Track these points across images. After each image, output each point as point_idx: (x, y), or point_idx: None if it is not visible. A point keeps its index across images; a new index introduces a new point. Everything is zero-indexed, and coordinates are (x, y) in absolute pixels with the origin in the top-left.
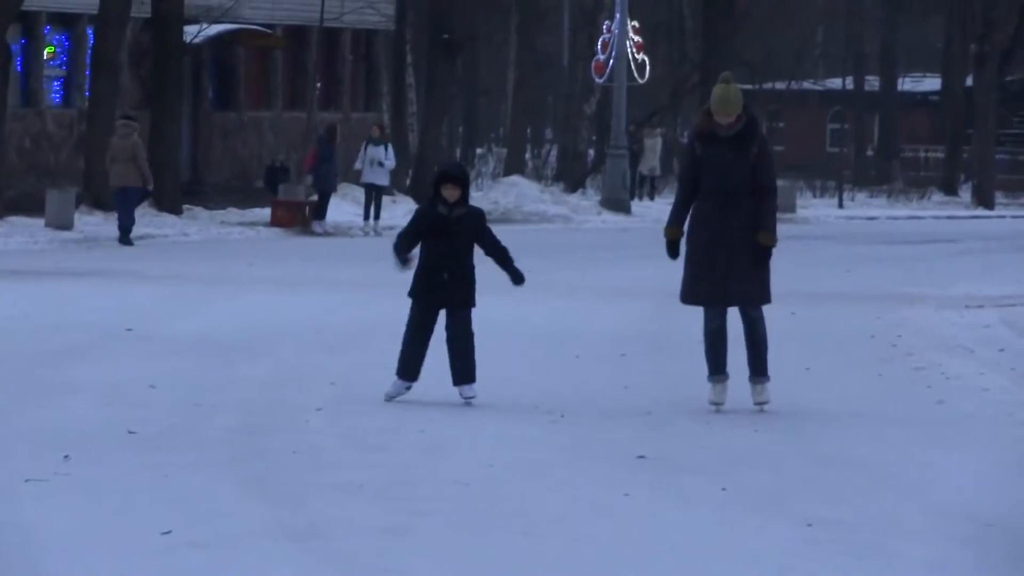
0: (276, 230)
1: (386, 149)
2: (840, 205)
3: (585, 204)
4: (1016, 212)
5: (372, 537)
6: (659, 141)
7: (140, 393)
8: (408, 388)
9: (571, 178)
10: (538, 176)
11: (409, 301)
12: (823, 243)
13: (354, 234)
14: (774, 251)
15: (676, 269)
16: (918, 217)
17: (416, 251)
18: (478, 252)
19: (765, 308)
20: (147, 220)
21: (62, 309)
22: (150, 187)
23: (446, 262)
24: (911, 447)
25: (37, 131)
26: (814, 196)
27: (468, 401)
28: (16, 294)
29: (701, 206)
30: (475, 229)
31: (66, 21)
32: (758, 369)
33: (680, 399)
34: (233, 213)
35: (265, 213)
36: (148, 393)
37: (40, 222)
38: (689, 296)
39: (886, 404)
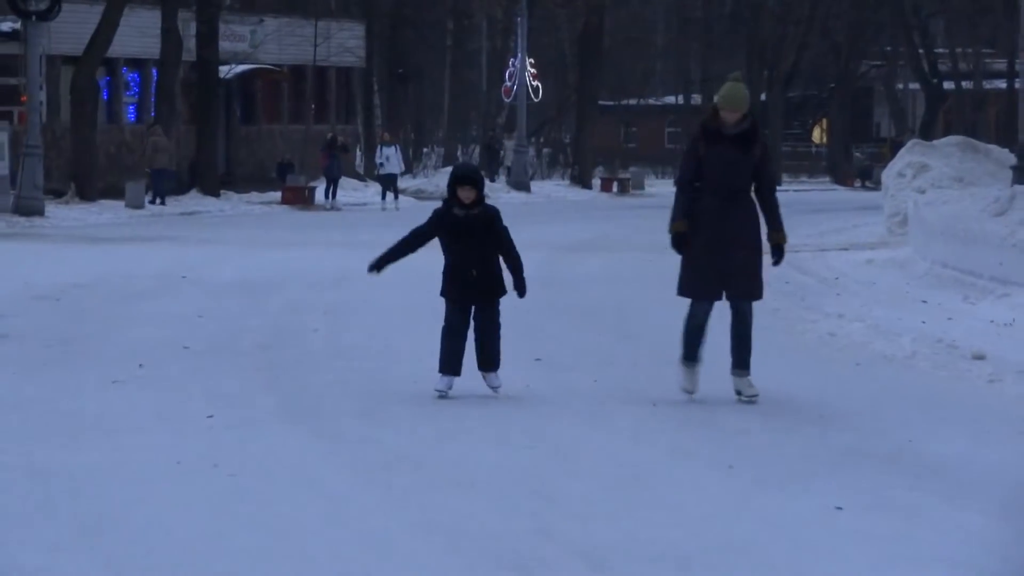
0: (285, 207)
1: (396, 149)
2: (675, 184)
3: (498, 185)
4: (796, 187)
5: (351, 417)
6: (513, 143)
7: (191, 321)
8: (451, 383)
9: (489, 167)
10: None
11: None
12: (664, 210)
13: (344, 208)
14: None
15: (567, 225)
16: None
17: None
18: None
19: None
20: (196, 201)
21: (137, 263)
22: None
23: (472, 261)
24: None
25: (119, 141)
26: (656, 178)
27: (495, 390)
28: (105, 254)
29: (703, 202)
30: (491, 226)
31: (137, 64)
32: (741, 363)
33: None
34: (255, 196)
35: (277, 195)
36: (197, 321)
37: (121, 204)
38: (688, 290)
39: None
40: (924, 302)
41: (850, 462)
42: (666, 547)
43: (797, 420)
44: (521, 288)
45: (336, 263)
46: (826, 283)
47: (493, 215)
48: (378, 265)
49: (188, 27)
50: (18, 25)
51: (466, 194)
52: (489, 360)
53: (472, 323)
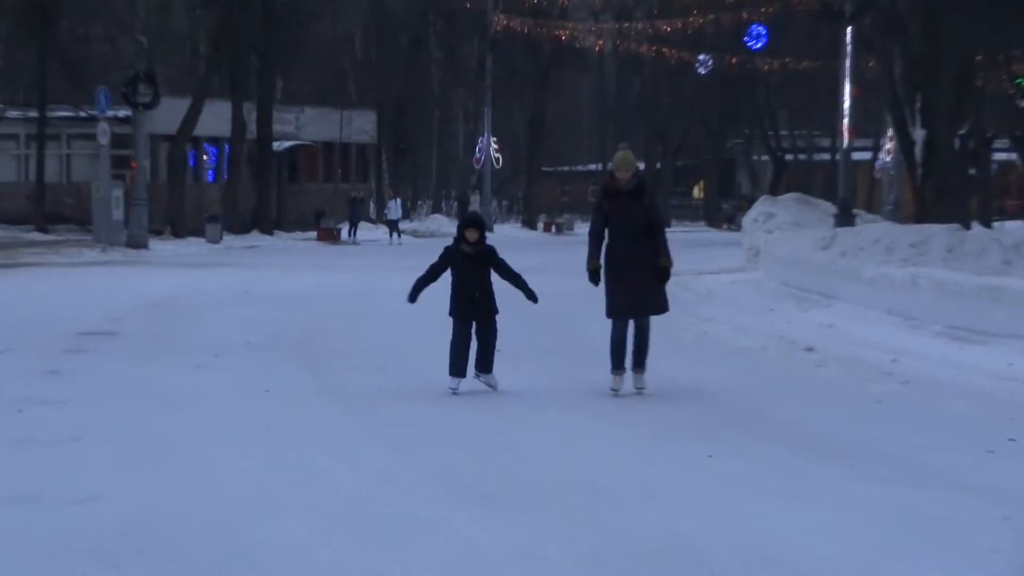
0: (319, 242)
1: (397, 201)
2: (588, 235)
3: None
4: (681, 229)
5: (366, 392)
6: (477, 198)
7: (252, 322)
8: (459, 383)
9: (462, 215)
10: (447, 215)
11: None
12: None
13: (361, 243)
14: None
15: (519, 255)
16: None
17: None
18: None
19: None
20: (256, 238)
21: (213, 281)
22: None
23: (475, 286)
24: None
25: (200, 195)
26: (582, 223)
27: (489, 386)
28: (191, 275)
29: (613, 245)
30: (490, 260)
31: (214, 140)
32: (640, 363)
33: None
34: (298, 234)
35: (313, 234)
36: (256, 323)
37: (203, 240)
38: (613, 312)
39: None
40: (772, 310)
41: (719, 423)
42: (590, 481)
43: (681, 393)
44: (531, 296)
45: (355, 282)
46: (701, 296)
47: (491, 250)
48: (412, 296)
49: (250, 114)
50: (130, 112)
51: (471, 234)
52: (485, 365)
53: (474, 335)
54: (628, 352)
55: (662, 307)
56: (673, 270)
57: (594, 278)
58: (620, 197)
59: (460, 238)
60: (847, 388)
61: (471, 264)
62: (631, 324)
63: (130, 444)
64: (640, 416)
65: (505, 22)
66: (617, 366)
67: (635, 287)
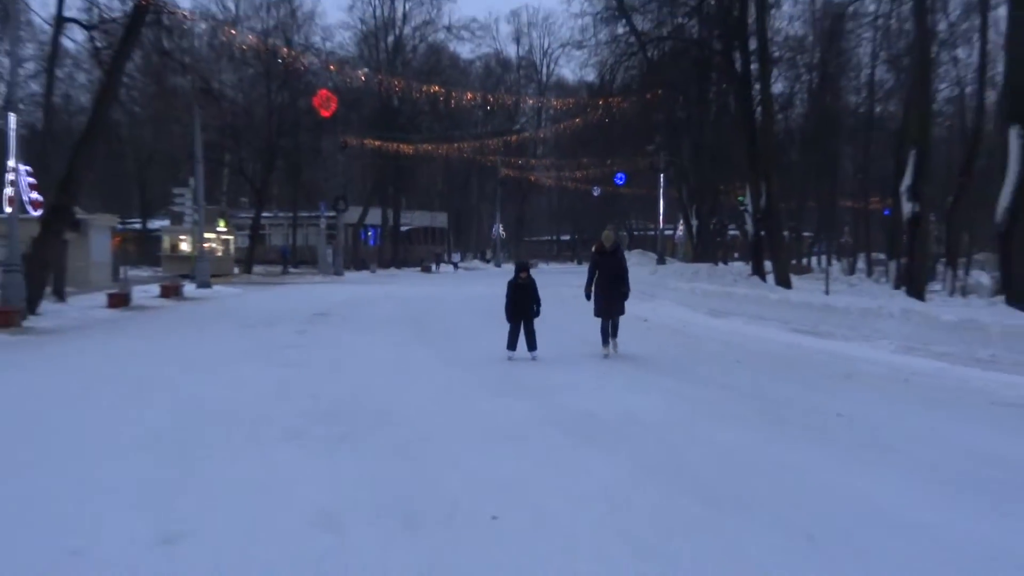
0: (421, 273)
1: (459, 254)
2: (588, 272)
3: (491, 265)
4: (582, 269)
5: (445, 343)
6: (490, 252)
7: (384, 313)
8: (512, 355)
9: (484, 260)
10: (481, 260)
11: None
12: (551, 275)
13: (441, 274)
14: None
15: (499, 284)
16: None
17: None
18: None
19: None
20: (392, 272)
21: (371, 291)
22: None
23: (523, 303)
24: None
25: (367, 251)
26: (544, 264)
27: (534, 357)
28: (360, 288)
29: (601, 280)
30: (531, 288)
31: (375, 225)
32: (615, 335)
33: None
34: (412, 270)
35: (418, 269)
36: (392, 310)
37: (368, 272)
38: (598, 314)
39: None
40: (627, 303)
41: (601, 356)
42: (549, 385)
43: (584, 344)
44: (536, 312)
45: (438, 292)
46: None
47: (533, 282)
48: (509, 317)
49: (389, 214)
50: (335, 213)
51: (523, 275)
52: (532, 346)
53: (521, 329)
54: (605, 333)
55: (622, 311)
56: (583, 289)
57: (588, 297)
58: (606, 255)
59: (516, 276)
60: (663, 338)
61: (522, 291)
62: (609, 321)
63: (333, 368)
64: (568, 357)
65: (507, 172)
66: (604, 343)
67: (610, 302)
